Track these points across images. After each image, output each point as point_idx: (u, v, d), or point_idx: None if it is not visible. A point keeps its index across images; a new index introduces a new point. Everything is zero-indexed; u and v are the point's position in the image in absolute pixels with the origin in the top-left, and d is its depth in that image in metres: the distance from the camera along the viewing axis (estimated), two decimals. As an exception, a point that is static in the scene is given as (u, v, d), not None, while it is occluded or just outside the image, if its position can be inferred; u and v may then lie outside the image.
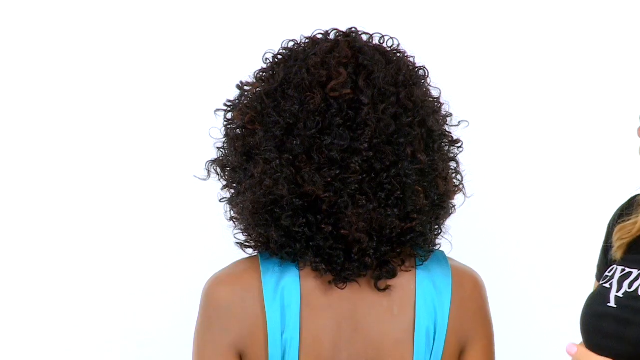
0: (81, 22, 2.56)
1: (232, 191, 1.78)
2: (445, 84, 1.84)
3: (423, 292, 1.74)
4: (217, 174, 1.80)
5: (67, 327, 2.60)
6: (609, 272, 1.80)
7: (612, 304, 1.73)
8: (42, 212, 2.58)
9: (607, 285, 1.77)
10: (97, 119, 2.57)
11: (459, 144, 1.82)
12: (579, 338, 1.81)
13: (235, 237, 1.81)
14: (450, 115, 1.82)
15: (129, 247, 2.58)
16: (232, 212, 1.79)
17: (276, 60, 1.77)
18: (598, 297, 1.78)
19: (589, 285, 1.98)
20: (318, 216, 1.69)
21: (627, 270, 1.77)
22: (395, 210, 1.69)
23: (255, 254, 1.80)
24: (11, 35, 2.56)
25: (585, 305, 1.80)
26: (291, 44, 1.79)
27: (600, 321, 1.74)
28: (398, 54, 1.78)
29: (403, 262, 1.74)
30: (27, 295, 2.59)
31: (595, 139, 2.60)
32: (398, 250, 1.73)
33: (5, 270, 2.59)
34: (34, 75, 2.57)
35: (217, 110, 1.81)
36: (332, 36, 1.78)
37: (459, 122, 1.83)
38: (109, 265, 2.58)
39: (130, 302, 2.59)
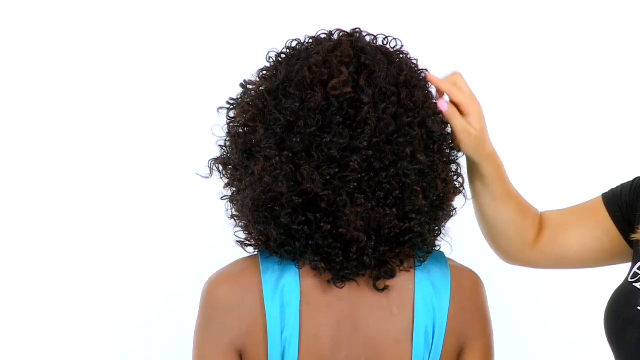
0: (83, 21, 2.58)
1: (234, 189, 1.79)
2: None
3: (422, 292, 1.74)
4: (219, 172, 1.81)
5: (68, 326, 2.61)
6: (639, 269, 1.72)
7: None
8: (42, 211, 2.59)
9: (637, 285, 1.70)
10: (99, 118, 2.58)
11: (460, 146, 1.82)
12: (577, 336, 1.80)
13: (235, 236, 1.81)
14: (452, 117, 1.82)
15: (129, 245, 2.59)
16: (233, 210, 1.80)
17: (279, 59, 1.78)
18: (626, 298, 1.70)
19: (590, 285, 1.98)
20: (317, 214, 1.69)
21: None
22: (394, 209, 1.69)
23: (255, 252, 1.80)
24: (12, 35, 2.57)
25: (610, 304, 1.73)
26: (294, 43, 1.79)
27: (628, 326, 1.67)
28: (401, 55, 1.78)
29: (402, 263, 1.74)
30: (26, 294, 2.60)
31: (597, 142, 2.60)
32: (397, 251, 1.73)
33: (5, 270, 2.60)
34: (35, 76, 2.58)
35: (220, 108, 1.81)
36: (335, 36, 1.78)
37: (460, 125, 1.82)
38: (109, 263, 2.59)
39: (129, 300, 2.59)
